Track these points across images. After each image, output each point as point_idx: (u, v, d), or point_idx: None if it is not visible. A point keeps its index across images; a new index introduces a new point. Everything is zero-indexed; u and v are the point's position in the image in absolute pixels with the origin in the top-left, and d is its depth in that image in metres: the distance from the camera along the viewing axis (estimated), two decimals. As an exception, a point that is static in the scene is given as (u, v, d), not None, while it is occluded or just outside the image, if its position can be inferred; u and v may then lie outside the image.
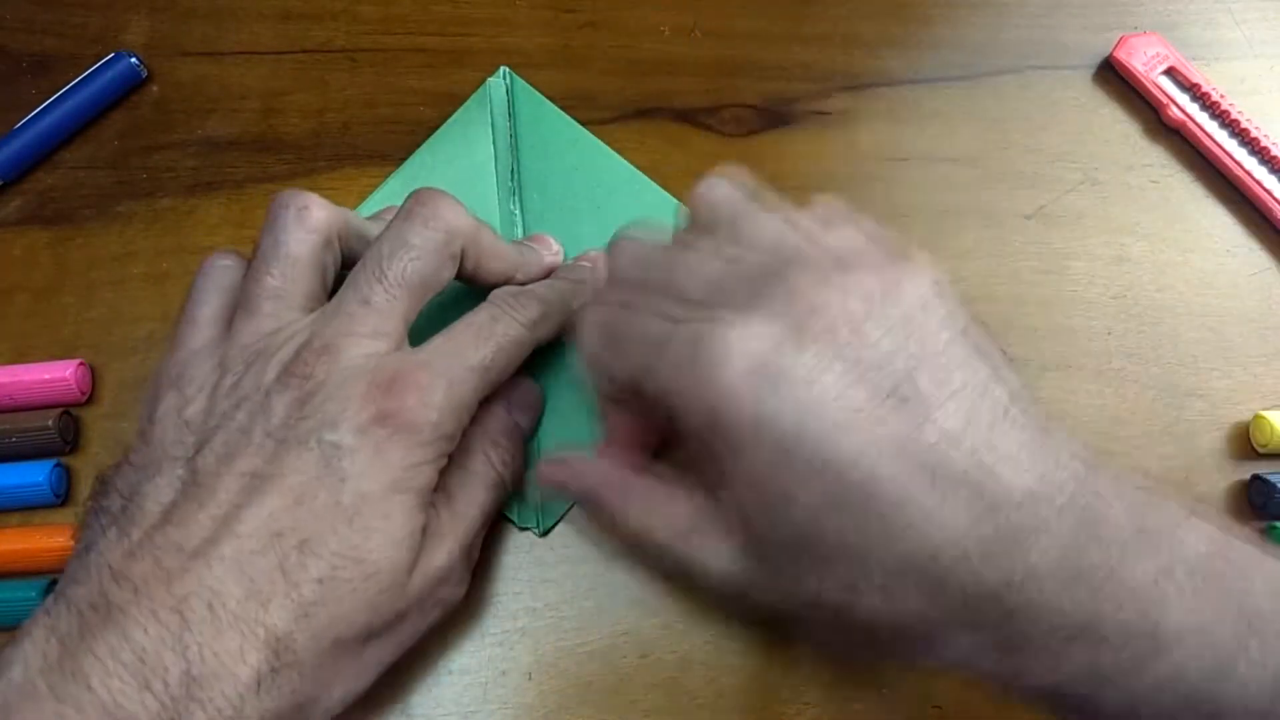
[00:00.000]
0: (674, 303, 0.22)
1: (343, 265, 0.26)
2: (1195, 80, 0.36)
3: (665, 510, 0.24)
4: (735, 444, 0.20)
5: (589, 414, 0.30)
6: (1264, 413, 0.31)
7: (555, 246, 0.30)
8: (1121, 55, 0.36)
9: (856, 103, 0.35)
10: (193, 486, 0.21)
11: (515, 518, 0.29)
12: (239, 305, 0.24)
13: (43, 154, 0.32)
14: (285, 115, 0.33)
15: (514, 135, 0.33)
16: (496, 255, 0.27)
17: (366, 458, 0.22)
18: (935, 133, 0.35)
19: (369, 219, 0.29)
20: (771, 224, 0.23)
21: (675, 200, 0.33)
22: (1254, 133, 0.35)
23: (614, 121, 0.34)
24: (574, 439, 0.29)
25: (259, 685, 0.20)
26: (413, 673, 0.27)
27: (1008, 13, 0.37)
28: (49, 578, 0.27)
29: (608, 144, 0.33)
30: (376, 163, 0.33)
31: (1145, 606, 0.19)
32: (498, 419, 0.27)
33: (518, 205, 0.32)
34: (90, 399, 0.29)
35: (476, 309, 0.26)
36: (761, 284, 0.21)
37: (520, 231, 0.31)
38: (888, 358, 0.20)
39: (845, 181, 0.34)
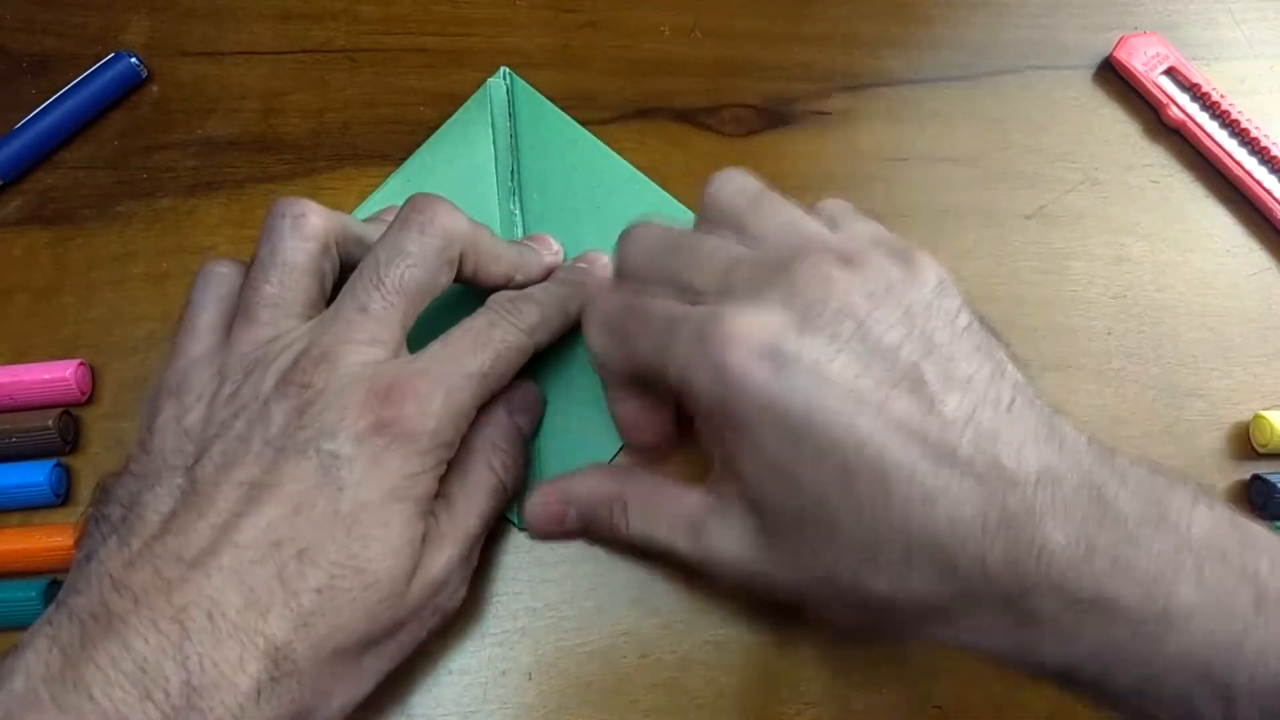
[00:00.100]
0: (686, 289, 0.23)
1: (341, 271, 0.26)
2: (1195, 80, 0.36)
3: (668, 509, 0.24)
4: (745, 426, 0.21)
5: (590, 415, 0.30)
6: (1264, 413, 0.31)
7: (555, 246, 0.30)
8: (1121, 55, 0.36)
9: (856, 103, 0.35)
10: (192, 495, 0.21)
11: (515, 518, 0.29)
12: (238, 313, 0.24)
13: (43, 154, 0.32)
14: (285, 115, 0.33)
15: (514, 135, 0.33)
16: (495, 257, 0.27)
17: (365, 466, 0.22)
18: (935, 133, 0.35)
19: (368, 220, 0.29)
20: (784, 216, 0.24)
21: (675, 200, 0.33)
22: (1254, 133, 0.35)
23: (614, 121, 0.34)
24: (575, 440, 0.29)
25: (259, 694, 0.20)
26: (413, 673, 0.27)
27: (1008, 13, 0.37)
28: (49, 578, 0.27)
29: (608, 144, 0.33)
30: (376, 163, 0.33)
31: (1156, 584, 0.19)
32: (498, 423, 0.27)
33: (518, 205, 0.32)
34: (90, 399, 0.29)
35: (474, 315, 0.26)
36: (773, 272, 0.22)
37: (520, 231, 0.31)
38: (895, 348, 0.20)
39: (845, 181, 0.34)
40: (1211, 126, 0.35)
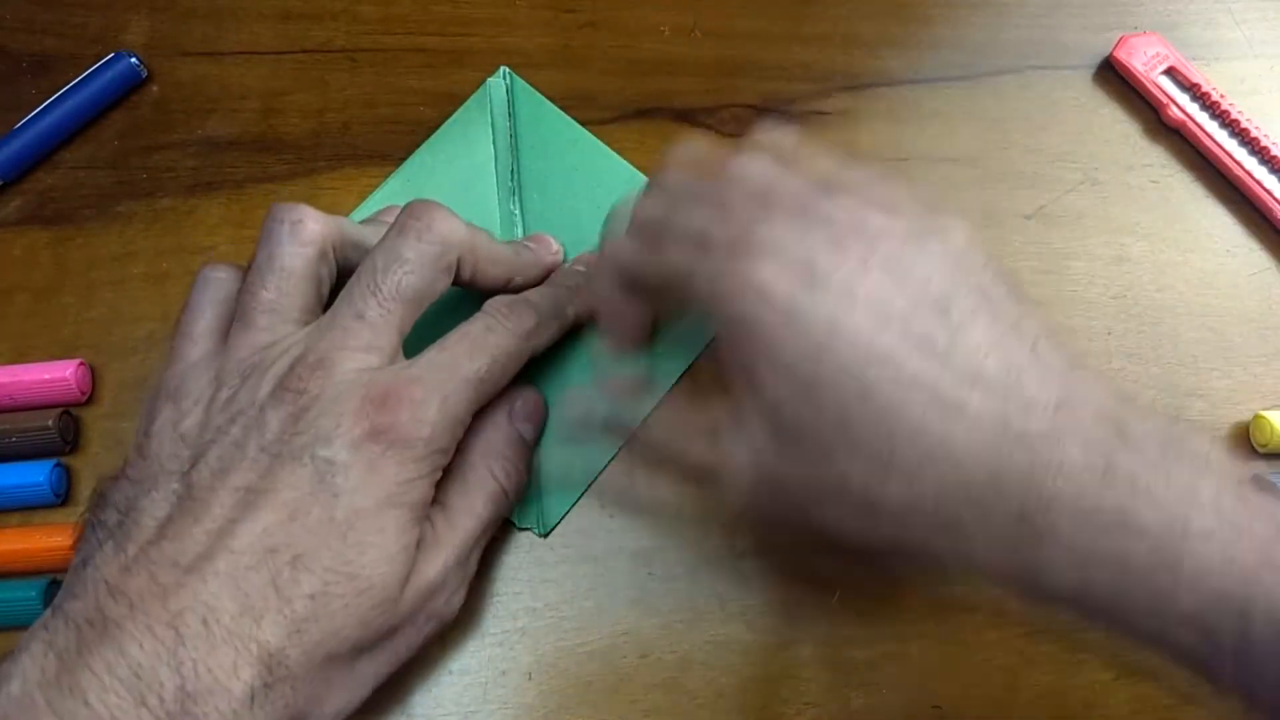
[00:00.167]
0: (724, 207, 0.23)
1: (339, 275, 0.26)
2: (1195, 80, 0.36)
3: (688, 418, 0.25)
4: (770, 339, 0.21)
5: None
6: (1264, 413, 0.31)
7: (555, 247, 0.30)
8: (1121, 55, 0.36)
9: (856, 103, 0.35)
10: (188, 501, 0.21)
11: (515, 519, 0.29)
12: (235, 318, 0.24)
13: (43, 154, 0.32)
14: (285, 115, 0.33)
15: (514, 135, 0.33)
16: (494, 261, 0.27)
17: (360, 473, 0.22)
18: (935, 133, 0.35)
19: (366, 222, 0.29)
20: (822, 163, 0.24)
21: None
22: (1254, 133, 0.35)
23: (614, 121, 0.34)
24: (583, 451, 0.29)
25: (252, 700, 0.20)
26: (413, 673, 0.27)
27: (1008, 13, 0.37)
28: (49, 578, 0.27)
29: (608, 144, 0.33)
30: (376, 163, 0.33)
31: (1176, 506, 0.19)
32: (500, 430, 0.27)
33: (518, 205, 0.32)
34: (90, 399, 0.29)
35: (471, 320, 0.25)
36: (808, 200, 0.23)
37: (520, 231, 0.31)
38: (925, 280, 0.21)
39: (845, 181, 0.34)
40: (1211, 126, 0.35)
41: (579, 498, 0.29)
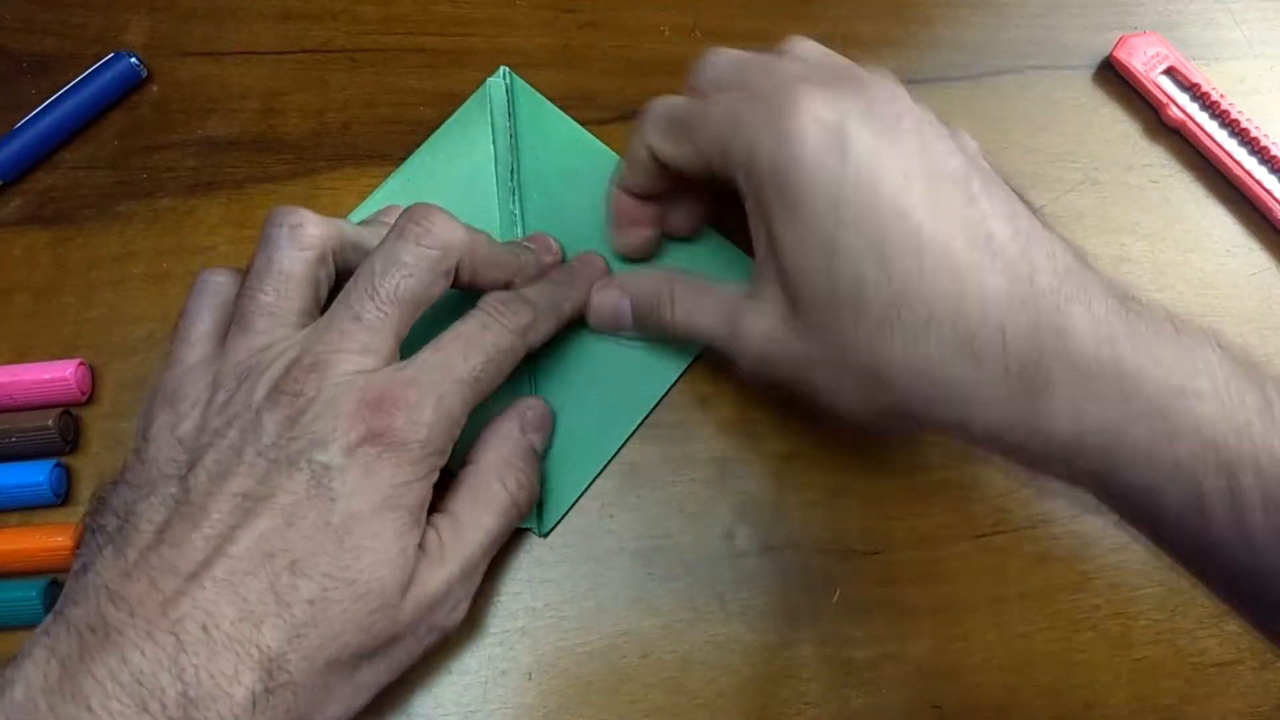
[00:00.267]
0: (768, 70, 0.25)
1: (339, 277, 0.26)
2: (1195, 80, 0.36)
3: (709, 302, 0.27)
4: (797, 192, 0.23)
5: (591, 416, 0.30)
6: (1264, 413, 0.31)
7: (554, 247, 0.30)
8: (1121, 55, 0.36)
9: (856, 103, 0.35)
10: (186, 506, 0.21)
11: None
12: (233, 322, 0.24)
13: (43, 154, 0.32)
14: (285, 115, 0.33)
15: (514, 135, 0.33)
16: (493, 264, 0.27)
17: (356, 477, 0.22)
18: (935, 133, 0.35)
19: (366, 222, 0.29)
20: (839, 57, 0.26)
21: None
22: (1254, 133, 0.35)
23: (614, 121, 0.34)
24: (575, 441, 0.29)
25: (254, 705, 0.20)
26: (413, 673, 0.27)
27: (1008, 13, 0.37)
28: (49, 578, 0.27)
29: (608, 144, 0.33)
30: (376, 163, 0.33)
31: (1176, 367, 0.20)
32: (513, 441, 0.27)
33: (518, 205, 0.32)
34: (90, 399, 0.29)
35: (465, 317, 0.25)
36: (849, 75, 0.24)
37: (520, 231, 0.31)
38: (946, 155, 0.23)
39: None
40: (1211, 126, 0.35)
41: (579, 498, 0.29)
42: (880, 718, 0.28)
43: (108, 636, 0.20)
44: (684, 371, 0.31)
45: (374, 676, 0.23)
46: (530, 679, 0.27)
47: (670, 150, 0.27)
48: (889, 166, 0.22)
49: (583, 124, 0.33)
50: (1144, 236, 0.34)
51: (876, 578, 0.29)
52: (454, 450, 0.24)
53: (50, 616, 0.21)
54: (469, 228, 0.26)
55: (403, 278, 0.24)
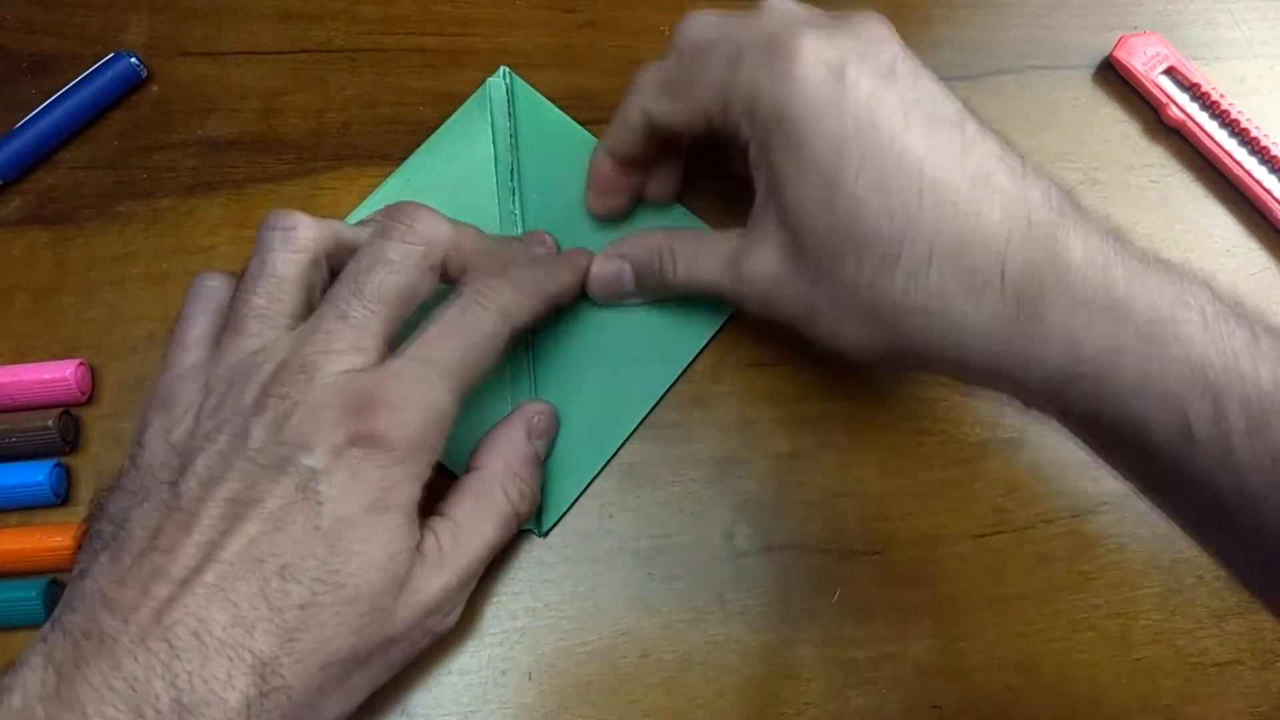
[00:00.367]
0: (759, 20, 0.25)
1: (334, 279, 0.26)
2: (1195, 80, 0.36)
3: (710, 253, 0.27)
4: (798, 132, 0.23)
5: (591, 415, 0.30)
6: (1264, 413, 0.31)
7: (548, 240, 0.30)
8: (1121, 55, 0.36)
9: (856, 103, 0.35)
10: (177, 511, 0.21)
11: (515, 518, 0.29)
12: (227, 325, 0.24)
13: (43, 154, 0.32)
14: (285, 115, 0.33)
15: (514, 135, 0.33)
16: (482, 256, 0.27)
17: (343, 481, 0.22)
18: (935, 133, 0.35)
19: (363, 222, 0.29)
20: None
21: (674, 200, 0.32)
22: (1254, 133, 0.35)
23: (614, 121, 0.34)
24: (576, 440, 0.29)
25: (248, 710, 0.20)
26: (413, 673, 0.27)
27: (1008, 13, 0.37)
28: (49, 578, 0.27)
29: (608, 144, 0.33)
30: (376, 163, 0.33)
31: (1167, 301, 0.21)
32: (518, 449, 0.27)
33: (518, 205, 0.32)
34: (90, 399, 0.29)
35: (444, 303, 0.25)
36: (840, 20, 0.24)
37: (520, 231, 0.31)
38: (941, 99, 0.23)
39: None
40: (1211, 126, 0.35)
41: (578, 498, 0.29)
42: (880, 718, 0.28)
43: (102, 643, 0.20)
44: (684, 371, 0.31)
45: (368, 679, 0.23)
46: (530, 679, 0.27)
47: (669, 108, 0.27)
48: (889, 107, 0.22)
49: (583, 124, 0.33)
50: (1144, 236, 0.33)
51: (876, 578, 0.29)
52: (458, 451, 0.24)
53: (48, 623, 0.21)
54: (455, 222, 0.26)
55: (388, 274, 0.24)
